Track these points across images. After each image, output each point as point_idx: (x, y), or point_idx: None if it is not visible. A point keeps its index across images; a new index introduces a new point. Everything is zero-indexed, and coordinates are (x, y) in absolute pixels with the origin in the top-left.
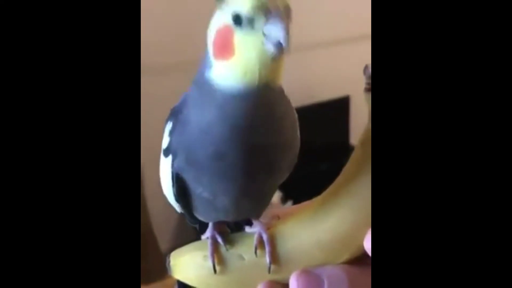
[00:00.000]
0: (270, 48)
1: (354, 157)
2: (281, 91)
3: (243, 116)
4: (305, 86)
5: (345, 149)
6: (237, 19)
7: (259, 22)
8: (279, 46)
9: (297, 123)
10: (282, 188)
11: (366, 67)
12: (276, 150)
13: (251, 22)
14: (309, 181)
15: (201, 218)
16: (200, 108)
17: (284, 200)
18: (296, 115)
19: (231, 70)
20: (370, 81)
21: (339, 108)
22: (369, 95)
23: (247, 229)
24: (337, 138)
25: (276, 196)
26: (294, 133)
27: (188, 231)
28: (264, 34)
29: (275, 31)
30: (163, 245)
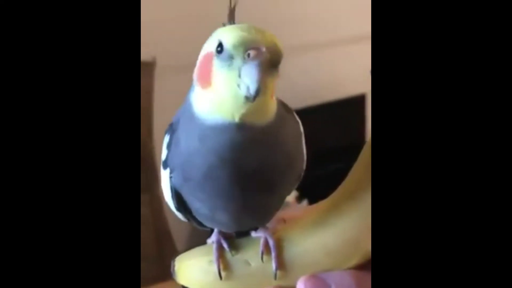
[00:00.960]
0: (243, 89)
1: (361, 160)
2: (275, 120)
3: (224, 148)
4: (321, 83)
5: (361, 148)
6: (219, 48)
7: (238, 60)
8: (249, 92)
9: (302, 135)
10: (298, 187)
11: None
12: (273, 172)
13: (230, 57)
14: (324, 180)
15: (207, 225)
16: (186, 134)
17: (299, 199)
18: (302, 130)
19: (208, 100)
20: None
21: (355, 106)
22: None
23: (253, 234)
24: (353, 137)
25: (291, 195)
26: (296, 151)
27: (204, 232)
28: (239, 73)
29: (248, 76)
30: (179, 245)
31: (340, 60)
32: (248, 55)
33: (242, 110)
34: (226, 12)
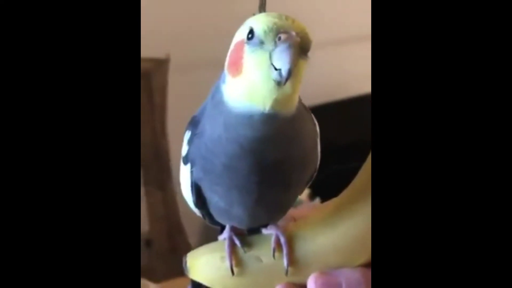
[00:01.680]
0: (274, 74)
1: (367, 164)
2: (297, 114)
3: (249, 136)
4: (334, 81)
5: None
6: (250, 35)
7: (269, 44)
8: (281, 75)
9: (318, 139)
10: (311, 185)
11: None
12: (290, 166)
13: (261, 42)
14: (336, 179)
15: (219, 221)
16: (212, 121)
17: (311, 197)
18: (318, 131)
19: (238, 88)
20: None
21: (368, 104)
22: None
23: (264, 231)
24: (365, 136)
25: (304, 193)
26: (313, 150)
27: (217, 228)
28: (271, 57)
29: (280, 59)
30: (192, 241)
31: (353, 58)
32: (279, 38)
33: (273, 95)
34: (237, 10)
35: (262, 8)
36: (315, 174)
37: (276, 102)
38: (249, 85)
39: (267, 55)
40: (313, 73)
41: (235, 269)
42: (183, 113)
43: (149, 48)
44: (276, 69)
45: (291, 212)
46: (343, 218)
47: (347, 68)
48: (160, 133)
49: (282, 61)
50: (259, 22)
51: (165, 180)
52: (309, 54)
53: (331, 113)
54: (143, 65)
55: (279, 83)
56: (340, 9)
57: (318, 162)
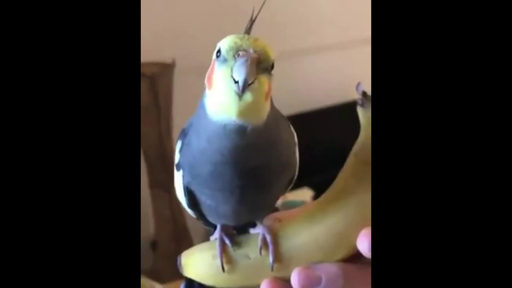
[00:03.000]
0: (234, 86)
1: (347, 166)
2: (270, 124)
3: (229, 147)
4: (337, 84)
5: None
6: (218, 53)
7: (230, 60)
8: (238, 86)
9: (295, 145)
10: (314, 187)
11: (358, 84)
12: (268, 172)
13: (225, 59)
14: None
15: (210, 220)
16: (197, 134)
17: (315, 198)
18: (296, 138)
19: (212, 100)
20: (362, 97)
21: None
22: (362, 110)
23: (251, 230)
24: None
25: (308, 195)
26: (290, 157)
27: None
28: (231, 71)
29: (237, 72)
30: (197, 241)
31: (361, 60)
32: (238, 55)
33: (236, 105)
34: (241, 16)
35: (249, 27)
36: (295, 178)
37: (241, 112)
38: (217, 97)
39: (229, 70)
40: (320, 76)
41: (225, 266)
42: (188, 116)
43: (155, 52)
44: (235, 81)
45: (277, 214)
46: (323, 217)
47: (353, 71)
48: (166, 136)
49: (238, 73)
50: (225, 43)
51: (171, 182)
52: (316, 56)
53: (337, 115)
54: (149, 69)
55: (238, 94)
56: (348, 12)
57: (297, 168)
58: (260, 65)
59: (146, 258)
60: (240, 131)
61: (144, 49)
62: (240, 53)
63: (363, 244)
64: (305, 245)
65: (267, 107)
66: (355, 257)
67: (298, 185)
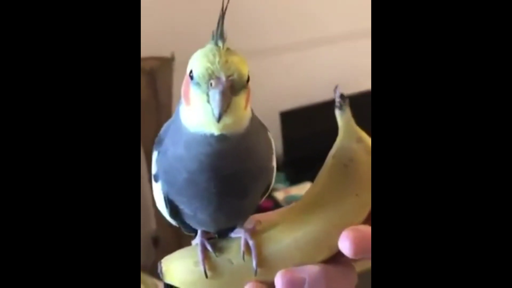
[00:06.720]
0: (212, 110)
1: (326, 168)
2: (249, 131)
3: (207, 153)
4: (339, 77)
5: None
6: (191, 74)
7: (204, 86)
8: (215, 115)
9: (273, 152)
10: None
11: (336, 87)
12: (245, 178)
13: (198, 83)
14: None
15: (192, 226)
16: (174, 141)
17: None
18: (273, 144)
19: (190, 115)
20: (340, 99)
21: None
22: (340, 113)
23: (232, 234)
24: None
25: None
26: (267, 164)
27: None
28: (207, 96)
29: (212, 102)
30: None
31: (365, 53)
32: (211, 84)
33: (216, 126)
34: (240, 11)
35: (220, 23)
36: (272, 186)
37: (222, 127)
38: (196, 114)
39: (205, 95)
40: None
41: (208, 272)
42: None
43: (154, 46)
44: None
45: (258, 216)
46: (304, 220)
47: (356, 64)
48: None
49: (214, 104)
50: (196, 65)
51: None
52: (317, 50)
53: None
54: (148, 64)
55: (216, 119)
56: (352, 3)
57: (274, 175)
58: (235, 88)
59: (148, 254)
60: (221, 138)
61: (142, 43)
62: (213, 82)
63: (345, 244)
64: (288, 248)
65: (247, 115)
66: (334, 257)
67: (300, 179)
